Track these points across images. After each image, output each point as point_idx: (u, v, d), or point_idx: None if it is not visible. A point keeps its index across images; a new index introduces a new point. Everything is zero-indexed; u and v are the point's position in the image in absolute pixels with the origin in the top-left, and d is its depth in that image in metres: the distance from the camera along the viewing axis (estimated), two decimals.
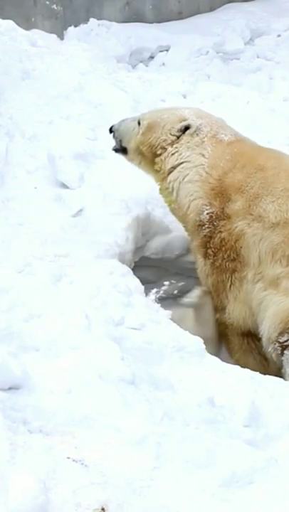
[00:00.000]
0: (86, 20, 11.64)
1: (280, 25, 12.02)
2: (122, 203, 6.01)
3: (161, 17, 12.31)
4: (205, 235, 5.46)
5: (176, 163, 5.61)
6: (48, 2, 11.56)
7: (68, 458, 3.78)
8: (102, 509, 3.50)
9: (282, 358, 5.27)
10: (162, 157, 5.68)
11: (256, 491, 3.77)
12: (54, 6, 11.58)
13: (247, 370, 4.84)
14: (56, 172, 6.14)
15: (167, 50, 11.47)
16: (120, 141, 5.93)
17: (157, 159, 5.70)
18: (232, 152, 5.56)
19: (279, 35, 11.85)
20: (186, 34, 11.59)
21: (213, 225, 5.43)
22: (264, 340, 5.30)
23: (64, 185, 6.12)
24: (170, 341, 4.83)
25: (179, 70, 10.34)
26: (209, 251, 5.46)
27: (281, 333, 5.22)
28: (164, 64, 11.33)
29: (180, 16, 12.46)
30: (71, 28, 11.54)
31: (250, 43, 11.73)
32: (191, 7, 12.56)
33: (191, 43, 11.34)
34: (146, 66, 11.30)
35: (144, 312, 5.00)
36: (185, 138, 5.66)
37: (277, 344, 5.23)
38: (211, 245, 5.45)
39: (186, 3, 12.52)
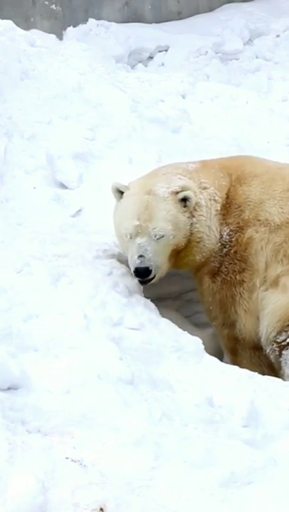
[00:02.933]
0: (85, 21, 11.64)
1: (279, 25, 12.02)
2: None
3: (161, 17, 12.30)
4: (223, 255, 5.41)
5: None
6: (46, 2, 11.55)
7: (67, 458, 3.78)
8: (101, 509, 3.51)
9: (280, 359, 5.26)
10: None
11: (255, 491, 3.77)
12: (53, 6, 11.58)
13: (246, 371, 4.85)
14: (55, 172, 6.14)
15: (166, 50, 11.47)
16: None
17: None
18: (219, 169, 5.53)
19: (278, 36, 11.85)
20: (185, 34, 11.59)
21: (231, 241, 5.40)
22: (263, 341, 5.28)
23: (63, 185, 6.12)
24: (169, 341, 4.83)
25: (178, 70, 10.33)
26: (222, 268, 5.39)
27: (279, 333, 5.21)
28: (163, 64, 11.33)
29: (179, 16, 12.46)
30: (70, 28, 11.53)
31: (249, 43, 11.74)
32: (190, 7, 12.56)
33: (190, 43, 11.34)
34: (146, 66, 11.31)
35: (142, 312, 5.00)
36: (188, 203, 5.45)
37: (275, 345, 5.22)
38: (226, 261, 5.39)
39: (185, 3, 12.52)
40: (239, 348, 5.42)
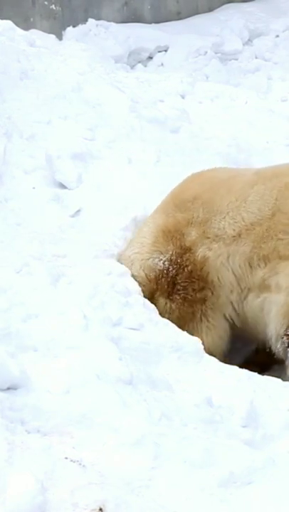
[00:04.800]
0: (84, 21, 11.65)
1: (279, 25, 12.03)
2: (120, 203, 6.01)
3: (160, 17, 12.31)
4: (171, 277, 5.40)
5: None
6: (46, 2, 11.56)
7: (66, 458, 3.78)
8: (100, 509, 3.50)
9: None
10: None
11: (254, 491, 3.77)
12: (52, 6, 11.58)
13: (245, 371, 4.85)
14: (54, 172, 6.14)
15: (166, 51, 11.48)
16: None
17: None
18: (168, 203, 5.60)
19: (277, 36, 11.86)
20: (184, 34, 11.60)
21: (177, 262, 5.39)
22: (272, 341, 5.27)
23: (62, 186, 6.12)
24: (168, 341, 4.83)
25: (177, 71, 10.33)
26: (178, 287, 5.38)
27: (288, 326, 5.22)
28: (162, 64, 11.33)
29: (178, 16, 12.47)
30: (69, 29, 11.54)
31: (248, 44, 11.74)
32: (189, 7, 12.56)
33: (190, 44, 11.34)
34: (145, 66, 11.31)
35: (142, 312, 5.00)
36: None
37: (285, 337, 5.22)
38: (179, 281, 5.38)
39: (185, 3, 12.53)
40: None
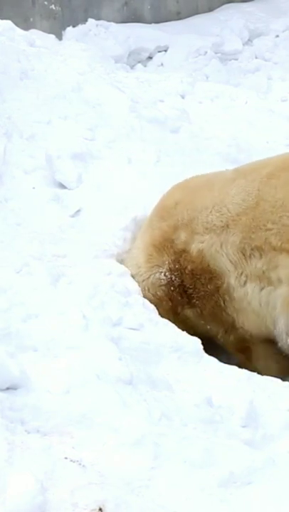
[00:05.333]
0: (84, 21, 11.66)
1: (279, 25, 12.04)
2: (119, 203, 6.01)
3: (160, 17, 12.32)
4: (178, 286, 5.39)
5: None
6: (46, 2, 11.56)
7: (66, 458, 3.78)
8: (100, 509, 3.50)
9: None
10: None
11: (254, 491, 3.77)
12: (52, 6, 11.59)
13: (245, 371, 4.84)
14: (54, 172, 6.14)
15: (165, 51, 11.49)
16: None
17: None
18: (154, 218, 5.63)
19: (277, 36, 11.87)
20: (184, 34, 11.60)
21: (176, 268, 5.38)
22: (284, 336, 5.24)
23: (62, 186, 6.12)
24: (168, 341, 4.84)
25: (177, 71, 10.34)
26: (189, 291, 5.36)
27: None
28: (162, 64, 11.34)
29: (178, 16, 12.47)
30: (69, 29, 11.55)
31: (248, 44, 11.75)
32: (189, 7, 12.57)
33: (190, 44, 11.35)
34: (145, 66, 11.32)
35: (142, 312, 5.00)
36: None
37: None
38: (187, 285, 5.37)
39: (185, 3, 12.53)
40: (250, 346, 5.41)
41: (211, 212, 5.36)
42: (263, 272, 5.22)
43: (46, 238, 5.50)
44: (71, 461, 3.77)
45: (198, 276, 5.35)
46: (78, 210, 5.96)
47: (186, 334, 4.99)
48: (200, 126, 7.39)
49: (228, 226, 5.29)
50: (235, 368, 4.88)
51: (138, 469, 3.79)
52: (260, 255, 5.21)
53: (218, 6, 12.78)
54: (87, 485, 3.61)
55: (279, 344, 5.28)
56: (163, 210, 5.59)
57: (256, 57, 11.41)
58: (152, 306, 5.20)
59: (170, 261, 5.41)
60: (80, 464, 3.76)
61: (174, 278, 5.38)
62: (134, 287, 5.28)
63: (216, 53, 11.26)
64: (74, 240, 5.58)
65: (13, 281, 4.90)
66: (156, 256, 5.46)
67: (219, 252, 5.31)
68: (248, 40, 11.80)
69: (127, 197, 6.08)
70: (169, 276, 5.39)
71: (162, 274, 5.43)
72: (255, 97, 8.66)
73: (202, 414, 4.30)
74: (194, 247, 5.35)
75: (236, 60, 11.36)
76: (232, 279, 5.30)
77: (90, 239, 5.63)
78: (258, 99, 8.63)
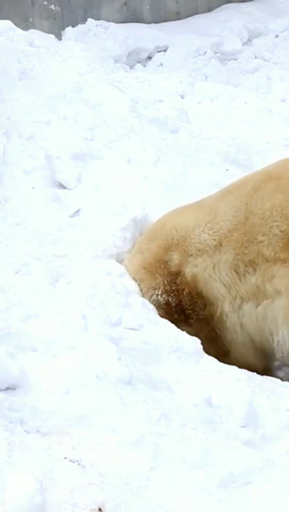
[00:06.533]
0: (84, 21, 11.67)
1: (278, 25, 12.06)
2: (119, 203, 6.01)
3: (159, 17, 12.33)
4: (176, 306, 5.32)
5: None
6: (45, 2, 11.57)
7: (65, 458, 3.78)
8: (99, 509, 3.51)
9: None
10: None
11: (253, 492, 3.77)
12: (52, 6, 11.60)
13: (244, 371, 4.84)
14: (54, 172, 6.14)
15: (165, 51, 11.50)
16: None
17: None
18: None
19: (277, 36, 11.88)
20: (183, 34, 11.62)
21: (173, 290, 5.31)
22: (286, 348, 5.19)
23: (62, 186, 6.12)
24: (167, 341, 4.83)
25: (176, 71, 10.36)
26: (187, 311, 5.29)
27: None
28: (161, 64, 11.36)
29: (178, 16, 12.49)
30: (69, 29, 11.56)
31: (248, 44, 11.77)
32: (188, 7, 12.58)
33: (189, 44, 11.36)
34: (144, 66, 11.33)
35: (141, 312, 5.00)
36: None
37: None
38: (185, 306, 5.30)
39: (184, 3, 12.54)
40: None
41: (203, 230, 5.29)
42: (258, 287, 5.14)
43: (46, 238, 5.50)
44: (70, 461, 3.77)
45: (194, 300, 5.28)
46: (78, 210, 5.95)
47: (185, 334, 4.98)
48: (199, 127, 7.40)
49: (220, 244, 5.22)
50: (234, 368, 4.88)
51: (137, 469, 3.79)
52: (254, 270, 5.14)
53: (218, 6, 12.80)
54: (86, 485, 3.61)
55: (277, 356, 5.26)
56: (150, 233, 5.53)
57: (256, 58, 11.43)
58: (152, 306, 5.19)
59: (165, 282, 5.32)
60: (79, 464, 3.77)
61: (170, 299, 5.30)
62: (134, 287, 5.27)
63: (215, 53, 11.27)
64: (73, 240, 5.58)
65: (13, 281, 4.89)
66: (148, 279, 5.35)
67: (212, 277, 5.23)
68: (248, 40, 11.82)
69: (126, 197, 6.08)
70: (166, 298, 5.30)
71: (159, 295, 5.33)
72: (255, 97, 8.68)
73: (201, 415, 4.30)
74: (188, 271, 5.28)
75: (236, 60, 11.37)
76: (226, 305, 5.23)
77: (89, 239, 5.62)
78: (257, 100, 8.64)
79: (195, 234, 5.31)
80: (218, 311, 5.24)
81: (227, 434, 4.23)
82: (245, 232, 5.18)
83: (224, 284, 5.22)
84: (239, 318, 5.23)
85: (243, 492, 3.76)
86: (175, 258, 5.32)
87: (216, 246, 5.23)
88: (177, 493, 3.71)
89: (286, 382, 4.94)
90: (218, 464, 3.86)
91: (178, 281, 5.30)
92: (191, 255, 5.28)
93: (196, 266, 5.26)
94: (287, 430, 4.37)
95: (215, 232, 5.26)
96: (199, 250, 5.27)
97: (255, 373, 4.91)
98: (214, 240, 5.25)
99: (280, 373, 5.41)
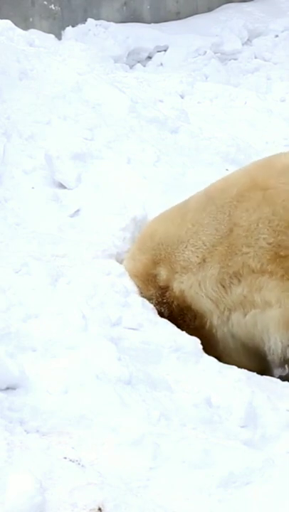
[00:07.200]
0: (84, 21, 11.68)
1: (278, 25, 12.06)
2: (119, 203, 6.01)
3: (159, 17, 12.34)
4: (168, 316, 5.23)
5: None
6: (45, 2, 11.57)
7: (65, 458, 3.78)
8: (99, 509, 3.51)
9: None
10: None
11: (253, 492, 3.77)
12: (52, 6, 11.60)
13: (244, 371, 4.84)
14: (53, 172, 6.13)
15: (165, 51, 11.51)
16: None
17: None
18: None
19: (277, 36, 11.89)
20: (183, 34, 11.62)
21: (164, 302, 5.27)
22: (278, 353, 5.18)
23: (61, 186, 6.12)
24: (167, 341, 4.83)
25: (176, 71, 10.36)
26: (179, 321, 5.22)
27: None
28: (161, 64, 11.36)
29: (178, 16, 12.49)
30: (69, 28, 11.56)
31: (248, 44, 11.78)
32: (188, 7, 12.59)
33: (189, 43, 11.36)
34: (144, 66, 11.34)
35: (141, 312, 5.00)
36: None
37: None
38: (176, 316, 5.24)
39: (184, 3, 12.54)
40: None
41: (186, 247, 5.23)
42: (245, 297, 5.10)
43: (45, 238, 5.50)
44: (70, 461, 3.77)
45: (185, 312, 5.24)
46: (78, 210, 5.95)
47: (185, 334, 4.98)
48: (199, 127, 7.40)
49: (204, 260, 5.17)
50: (234, 368, 4.88)
51: (137, 469, 3.79)
52: (239, 281, 5.10)
53: (218, 6, 12.81)
54: (86, 485, 3.61)
55: (269, 358, 5.26)
56: (140, 242, 5.49)
57: (255, 57, 11.43)
58: (151, 306, 5.19)
59: (157, 294, 5.29)
60: (79, 464, 3.77)
61: (163, 310, 5.26)
62: (134, 287, 5.27)
63: (215, 53, 11.28)
64: (73, 240, 5.58)
65: (13, 281, 4.89)
66: (142, 287, 5.32)
67: (198, 294, 5.19)
68: (248, 40, 11.82)
69: (126, 197, 6.08)
70: (159, 308, 5.25)
71: (152, 304, 5.27)
72: (255, 97, 8.68)
73: (201, 415, 4.30)
74: (176, 287, 5.24)
75: (236, 60, 11.38)
76: (214, 319, 5.19)
77: (89, 239, 5.62)
78: (257, 100, 8.65)
79: (179, 251, 5.26)
80: (208, 324, 5.21)
81: (227, 434, 4.23)
82: (229, 244, 5.12)
83: (211, 299, 5.18)
84: (229, 329, 5.19)
85: (243, 492, 3.76)
86: (163, 273, 5.29)
87: (199, 263, 5.18)
88: (177, 493, 3.71)
89: (286, 382, 4.95)
90: (218, 464, 3.86)
91: (167, 294, 5.27)
92: (176, 272, 5.25)
93: (182, 283, 5.23)
94: (287, 430, 4.38)
95: (197, 248, 5.21)
96: (184, 268, 5.23)
97: (255, 373, 4.91)
98: (197, 257, 5.19)
99: (280, 373, 5.41)
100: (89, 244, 5.53)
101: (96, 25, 11.58)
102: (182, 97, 8.52)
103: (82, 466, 3.76)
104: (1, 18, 8.22)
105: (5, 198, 5.91)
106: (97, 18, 11.73)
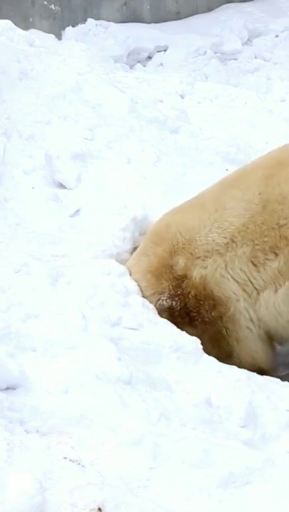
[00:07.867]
0: (84, 21, 11.67)
1: (278, 25, 12.06)
2: (119, 203, 6.01)
3: (159, 17, 12.33)
4: (180, 309, 5.23)
5: None
6: (45, 2, 11.57)
7: (65, 458, 3.78)
8: (99, 509, 3.51)
9: None
10: None
11: (253, 492, 3.77)
12: (52, 6, 11.60)
13: (244, 371, 4.84)
14: (53, 172, 6.14)
15: (165, 51, 11.50)
16: None
17: None
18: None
19: (277, 36, 11.88)
20: (183, 34, 11.62)
21: (178, 294, 5.22)
22: None
23: (61, 186, 6.12)
24: (167, 341, 4.83)
25: (176, 71, 10.36)
26: (192, 314, 5.21)
27: None
28: (161, 64, 11.36)
29: (178, 16, 12.49)
30: (69, 28, 11.56)
31: (248, 44, 11.77)
32: (188, 7, 12.58)
33: (189, 43, 11.36)
34: (144, 66, 11.33)
35: (141, 312, 5.00)
36: None
37: None
38: (190, 309, 5.21)
39: (184, 3, 12.54)
40: None
41: (210, 230, 5.19)
42: (279, 271, 5.06)
43: (45, 238, 5.50)
44: (70, 461, 3.77)
45: (201, 302, 5.19)
46: (78, 210, 5.96)
47: (185, 334, 4.98)
48: (199, 127, 7.39)
49: (232, 240, 5.13)
50: (234, 368, 4.88)
51: (137, 469, 3.79)
52: (276, 254, 5.06)
53: (218, 6, 12.80)
54: (86, 485, 3.61)
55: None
56: (155, 235, 5.44)
57: (256, 57, 11.43)
58: (151, 306, 5.19)
59: (171, 287, 5.23)
60: (79, 464, 3.77)
61: (175, 304, 5.22)
62: (134, 287, 5.27)
63: (215, 53, 11.27)
64: (73, 240, 5.58)
65: (13, 281, 4.90)
66: (155, 283, 5.27)
67: (225, 276, 5.13)
68: (248, 40, 11.82)
69: (126, 197, 6.08)
70: (170, 303, 5.22)
71: (164, 301, 5.25)
72: (255, 97, 8.68)
73: (201, 415, 4.30)
74: (196, 273, 5.18)
75: (236, 60, 11.37)
76: (240, 303, 5.14)
77: (89, 239, 5.63)
78: (257, 100, 8.64)
79: (201, 235, 5.22)
80: (231, 310, 5.16)
81: (227, 434, 4.24)
82: (263, 221, 5.10)
83: (238, 282, 5.13)
84: (255, 312, 5.15)
85: (243, 492, 3.76)
86: (181, 262, 5.23)
87: (227, 244, 5.14)
88: (177, 493, 3.71)
89: (286, 382, 4.94)
90: (218, 463, 3.86)
91: (184, 284, 5.21)
92: (198, 257, 5.19)
93: (206, 267, 5.17)
94: (287, 430, 4.38)
95: (224, 229, 5.17)
96: (208, 251, 5.18)
97: (255, 373, 4.91)
98: (225, 237, 5.15)
99: (280, 373, 5.41)
100: (89, 244, 5.53)
101: (96, 25, 11.58)
102: (182, 97, 8.52)
103: (82, 466, 3.76)
104: (1, 18, 8.22)
105: (5, 198, 5.91)
106: (97, 18, 11.73)
